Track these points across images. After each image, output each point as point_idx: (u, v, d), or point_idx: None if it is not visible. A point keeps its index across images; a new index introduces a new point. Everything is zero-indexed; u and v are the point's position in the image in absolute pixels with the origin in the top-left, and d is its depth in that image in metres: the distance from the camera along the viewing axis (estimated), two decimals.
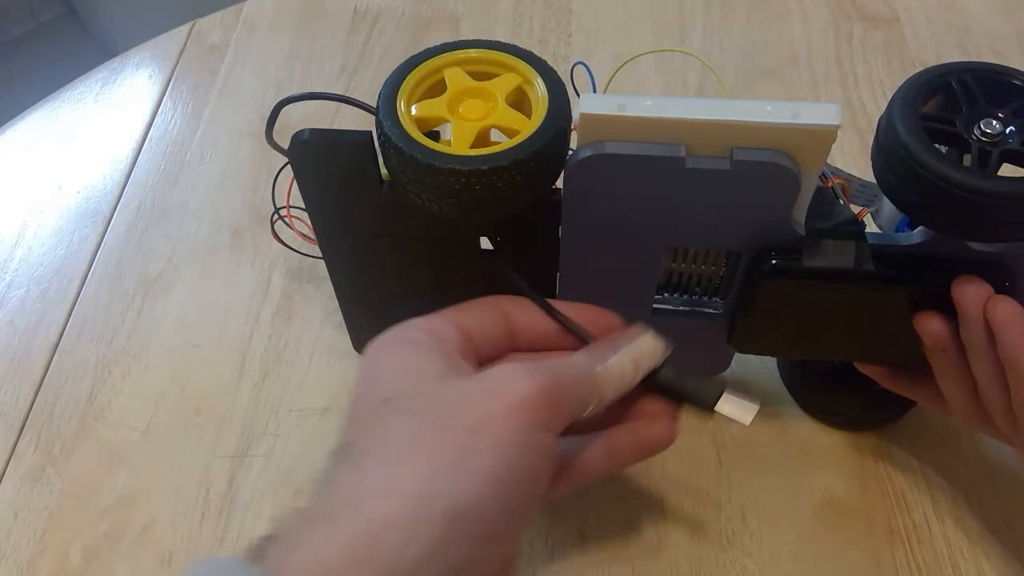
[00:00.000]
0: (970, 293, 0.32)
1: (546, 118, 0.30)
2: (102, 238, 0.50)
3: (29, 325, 0.47)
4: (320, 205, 0.35)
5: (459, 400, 0.28)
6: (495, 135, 0.30)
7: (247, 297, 0.47)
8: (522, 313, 0.33)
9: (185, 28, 0.63)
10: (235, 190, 0.53)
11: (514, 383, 0.27)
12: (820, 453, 0.41)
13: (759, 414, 0.42)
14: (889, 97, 0.31)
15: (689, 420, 0.42)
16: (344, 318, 0.42)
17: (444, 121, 0.31)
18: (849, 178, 0.38)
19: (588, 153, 0.29)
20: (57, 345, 0.46)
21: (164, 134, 0.56)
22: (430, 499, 0.25)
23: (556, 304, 0.33)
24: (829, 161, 0.37)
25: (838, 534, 0.38)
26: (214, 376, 0.44)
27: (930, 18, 0.62)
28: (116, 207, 0.52)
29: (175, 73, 0.60)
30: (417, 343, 0.30)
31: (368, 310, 0.41)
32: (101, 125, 0.57)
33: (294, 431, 0.42)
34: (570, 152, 0.31)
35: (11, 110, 0.59)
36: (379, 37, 0.62)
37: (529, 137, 0.29)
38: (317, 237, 0.37)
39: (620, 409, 0.32)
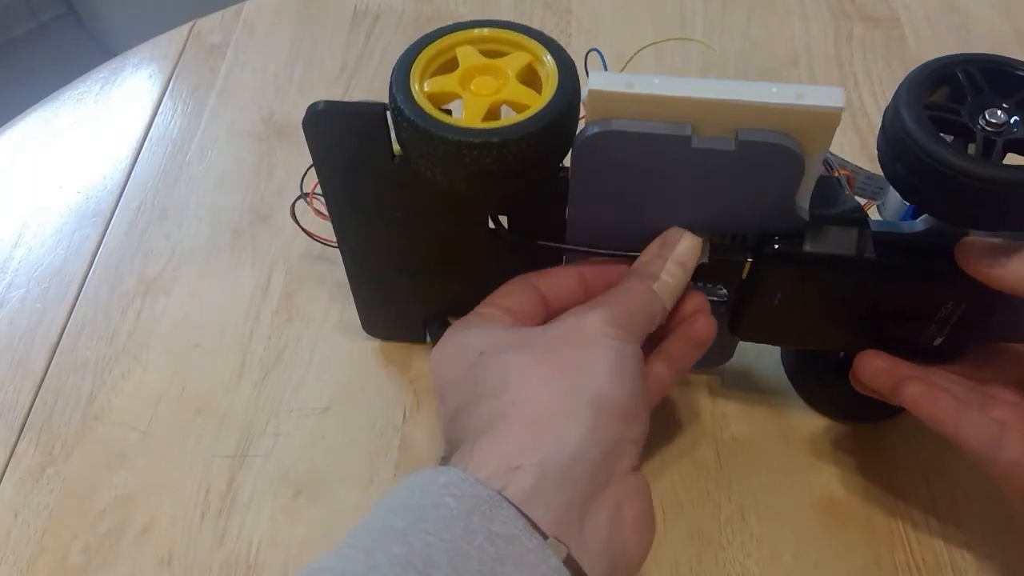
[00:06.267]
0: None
1: (556, 93, 0.30)
2: (102, 238, 0.50)
3: (29, 325, 0.47)
4: (333, 178, 0.35)
5: (548, 334, 0.32)
6: (505, 113, 0.31)
7: (247, 297, 0.47)
8: (550, 282, 0.35)
9: (185, 28, 0.63)
10: (235, 190, 0.53)
11: (585, 318, 0.31)
12: (821, 453, 0.41)
13: (760, 410, 0.42)
14: (889, 97, 0.31)
15: (689, 419, 0.42)
16: (354, 300, 0.42)
17: (456, 97, 0.31)
18: (855, 170, 0.38)
19: (596, 130, 0.30)
20: (57, 345, 0.46)
21: (164, 134, 0.56)
22: (574, 392, 0.29)
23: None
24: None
25: (838, 534, 0.38)
26: (214, 376, 0.44)
27: (930, 18, 0.62)
28: (116, 207, 0.52)
29: (175, 73, 0.60)
30: (482, 316, 0.34)
31: (378, 289, 0.41)
32: (101, 125, 0.57)
33: (294, 431, 0.42)
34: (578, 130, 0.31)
35: (11, 110, 0.59)
36: (379, 37, 0.62)
37: (539, 111, 0.29)
38: (330, 214, 0.37)
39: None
